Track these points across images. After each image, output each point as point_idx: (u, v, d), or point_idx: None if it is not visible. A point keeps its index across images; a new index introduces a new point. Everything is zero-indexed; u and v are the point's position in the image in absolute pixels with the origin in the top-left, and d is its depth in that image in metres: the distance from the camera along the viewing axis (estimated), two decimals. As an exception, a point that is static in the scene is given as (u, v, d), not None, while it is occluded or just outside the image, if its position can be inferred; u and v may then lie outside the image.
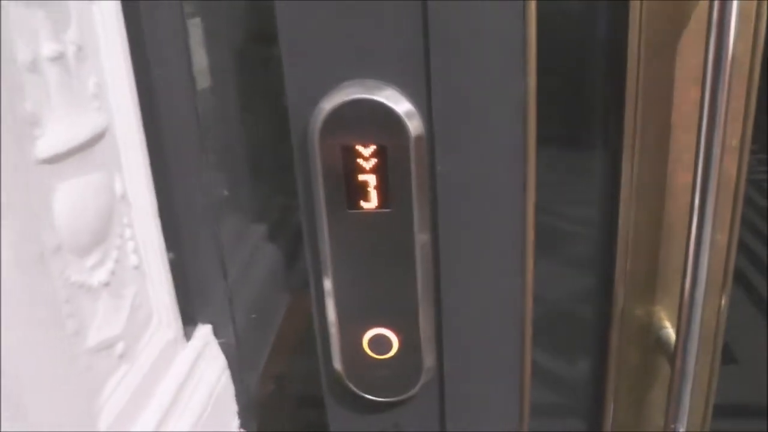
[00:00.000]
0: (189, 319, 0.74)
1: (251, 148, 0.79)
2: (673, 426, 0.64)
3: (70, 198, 0.53)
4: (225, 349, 0.77)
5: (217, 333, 0.77)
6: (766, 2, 0.58)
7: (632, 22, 0.58)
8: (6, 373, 0.49)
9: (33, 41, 0.49)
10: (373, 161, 0.59)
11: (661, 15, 0.58)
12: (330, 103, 0.58)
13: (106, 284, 0.58)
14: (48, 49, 0.50)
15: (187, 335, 0.74)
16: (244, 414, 0.81)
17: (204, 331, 0.76)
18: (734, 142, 0.61)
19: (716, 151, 0.56)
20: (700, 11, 0.58)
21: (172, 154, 0.67)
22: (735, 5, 0.51)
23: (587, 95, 0.66)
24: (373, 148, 0.59)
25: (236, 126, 0.78)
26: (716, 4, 0.52)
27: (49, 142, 0.50)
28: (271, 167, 0.81)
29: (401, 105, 0.58)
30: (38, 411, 0.51)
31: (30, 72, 0.48)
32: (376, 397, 0.70)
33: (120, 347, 0.61)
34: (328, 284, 0.65)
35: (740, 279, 1.87)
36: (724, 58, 0.53)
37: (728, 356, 1.84)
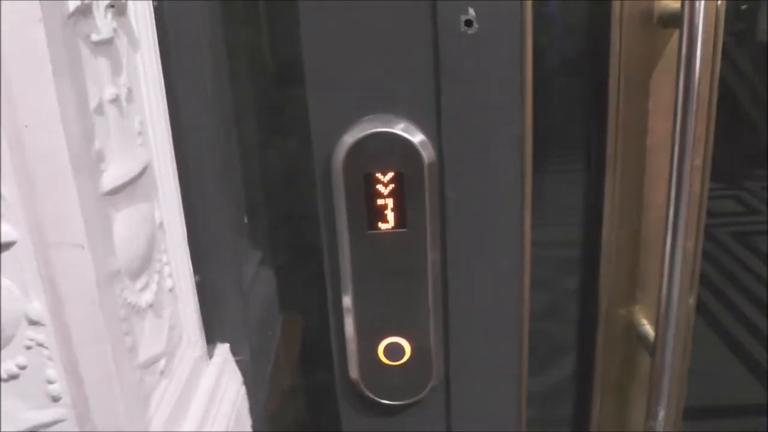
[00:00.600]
0: (209, 338, 0.79)
1: (269, 182, 0.85)
2: (654, 408, 0.73)
3: (125, 226, 0.59)
4: (241, 366, 0.83)
5: (233, 351, 0.82)
6: (720, 47, 0.68)
7: (612, 62, 0.67)
8: (77, 380, 0.54)
9: (99, 86, 0.55)
10: (391, 186, 0.67)
11: (638, 56, 0.68)
12: (352, 136, 0.65)
13: (151, 305, 0.64)
14: (109, 92, 0.56)
15: (209, 353, 0.79)
16: (256, 426, 0.86)
17: (223, 349, 0.81)
18: (697, 161, 0.71)
19: (686, 171, 0.65)
20: (670, 54, 0.67)
21: (197, 186, 0.73)
22: (699, 51, 0.61)
23: (574, 126, 0.75)
24: (391, 174, 0.66)
25: (254, 161, 0.84)
26: (684, 49, 0.61)
27: (111, 176, 0.56)
28: (282, 199, 0.87)
29: (416, 136, 0.66)
30: (105, 424, 0.56)
31: (97, 113, 0.54)
32: (389, 401, 0.77)
33: (162, 364, 0.66)
34: (347, 298, 0.72)
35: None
36: (692, 93, 0.62)
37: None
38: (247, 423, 0.85)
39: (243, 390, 0.83)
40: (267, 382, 0.92)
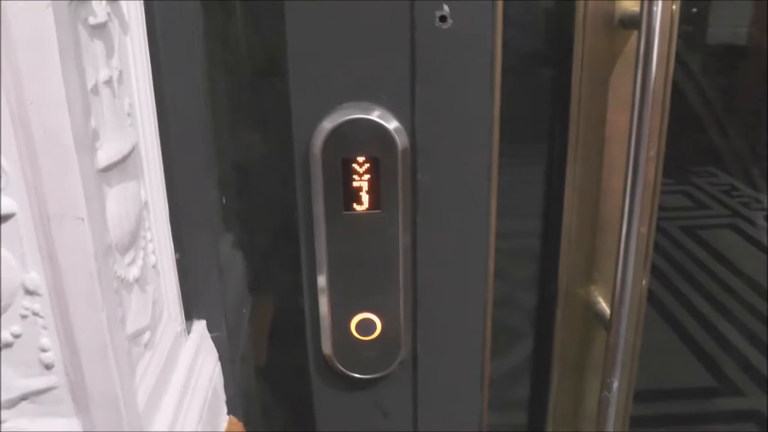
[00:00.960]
0: (187, 315, 0.82)
1: (245, 165, 0.88)
2: (609, 379, 0.79)
3: (116, 203, 0.61)
4: (217, 342, 0.86)
5: (210, 328, 0.85)
6: (674, 47, 0.74)
7: (575, 59, 0.73)
8: (72, 348, 0.57)
9: (95, 67, 0.57)
10: (367, 170, 0.71)
11: (599, 54, 0.73)
12: (331, 122, 0.69)
13: (137, 280, 0.67)
14: (103, 74, 0.59)
15: (187, 329, 0.82)
16: (231, 401, 0.89)
17: (200, 326, 0.84)
18: (652, 152, 0.77)
19: (642, 160, 0.71)
20: (629, 53, 0.73)
21: (179, 167, 0.76)
22: (656, 50, 0.66)
23: (539, 116, 0.80)
24: (367, 158, 0.70)
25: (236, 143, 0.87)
26: (642, 49, 0.67)
27: (105, 154, 0.59)
28: (262, 183, 0.91)
29: (391, 123, 0.70)
30: (97, 392, 0.59)
31: (93, 94, 0.57)
32: (360, 374, 0.81)
33: (146, 337, 0.69)
34: (322, 276, 0.75)
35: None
36: (648, 89, 0.68)
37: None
38: (222, 398, 0.88)
39: (219, 366, 0.86)
40: (240, 359, 0.95)
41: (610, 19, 0.72)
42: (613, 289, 0.76)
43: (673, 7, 0.72)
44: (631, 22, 0.71)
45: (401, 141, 0.70)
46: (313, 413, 0.88)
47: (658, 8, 0.65)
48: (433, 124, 0.71)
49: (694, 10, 1.31)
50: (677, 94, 0.80)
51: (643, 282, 0.84)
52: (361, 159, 0.70)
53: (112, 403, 0.59)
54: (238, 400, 0.91)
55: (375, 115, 0.70)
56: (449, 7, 0.67)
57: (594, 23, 0.72)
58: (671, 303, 2.08)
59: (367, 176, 0.71)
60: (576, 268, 0.82)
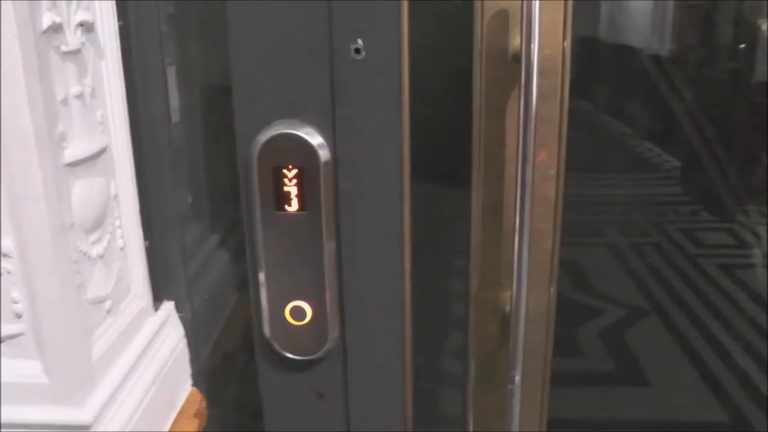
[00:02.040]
0: (157, 295, 0.97)
1: (211, 169, 1.04)
2: (512, 374, 0.89)
3: (82, 192, 0.77)
4: (183, 321, 1.01)
5: (177, 308, 1.00)
6: (568, 79, 0.86)
7: (475, 89, 0.85)
8: (33, 302, 0.72)
9: (65, 84, 0.74)
10: (295, 177, 0.85)
11: (495, 85, 0.85)
12: (266, 135, 0.84)
13: (101, 256, 0.82)
14: (74, 89, 0.75)
15: (155, 307, 0.97)
16: (196, 376, 1.04)
17: (168, 306, 0.99)
18: (551, 172, 0.88)
19: (528, 179, 0.82)
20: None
21: (150, 169, 0.91)
22: (535, 82, 0.78)
23: (445, 140, 0.93)
24: (295, 168, 0.84)
25: (198, 152, 1.03)
26: (523, 79, 0.79)
27: (71, 152, 0.75)
28: (224, 185, 1.06)
29: (315, 138, 0.84)
30: (53, 340, 0.74)
31: (62, 105, 0.73)
32: (294, 355, 0.94)
33: (108, 304, 0.84)
34: (261, 267, 0.89)
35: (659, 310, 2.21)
36: (530, 116, 0.80)
37: (642, 379, 2.18)
38: (186, 370, 1.02)
39: (184, 341, 1.01)
40: (210, 341, 1.10)
41: (504, 55, 0.85)
42: (512, 293, 0.88)
43: (565, 43, 0.84)
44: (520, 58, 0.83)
45: (323, 154, 0.84)
46: (260, 394, 1.01)
47: (535, 48, 0.77)
48: (352, 139, 0.84)
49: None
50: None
51: (551, 291, 0.95)
52: (290, 167, 0.85)
53: (64, 349, 0.75)
54: (202, 375, 1.05)
55: (302, 132, 0.84)
56: (363, 42, 0.81)
57: (490, 58, 0.84)
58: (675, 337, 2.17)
59: (295, 183, 0.85)
60: (484, 275, 0.94)
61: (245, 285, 1.11)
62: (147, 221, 0.92)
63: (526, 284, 0.87)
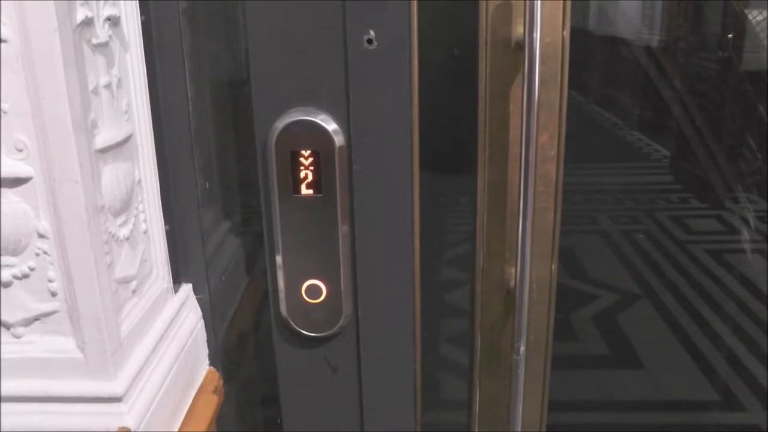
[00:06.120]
0: (176, 278, 1.01)
1: (227, 157, 1.09)
2: (517, 344, 0.94)
3: (111, 177, 0.82)
4: (201, 303, 1.05)
5: (195, 291, 1.05)
6: (567, 64, 0.91)
7: (480, 76, 0.90)
8: (69, 279, 0.77)
9: (96, 74, 0.78)
10: (311, 162, 0.89)
11: (500, 72, 0.90)
12: (283, 122, 0.88)
13: (127, 238, 0.87)
14: (103, 79, 0.80)
15: (174, 289, 1.01)
16: (212, 356, 1.08)
17: (186, 288, 1.04)
18: (552, 153, 0.93)
19: (532, 159, 0.87)
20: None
21: (170, 156, 0.96)
22: (537, 69, 0.83)
23: (453, 123, 0.98)
24: (311, 153, 0.89)
25: (215, 140, 1.08)
26: (526, 66, 0.84)
27: (101, 138, 0.79)
28: (239, 173, 1.11)
29: (330, 124, 0.89)
30: (87, 317, 0.79)
31: (94, 94, 0.77)
32: (309, 332, 0.99)
33: (133, 284, 0.88)
34: (278, 248, 0.94)
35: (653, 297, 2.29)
36: (533, 100, 0.85)
37: (636, 362, 2.25)
38: (203, 350, 1.07)
39: (202, 322, 1.06)
40: (226, 323, 1.14)
41: (508, 43, 0.90)
42: (516, 267, 0.93)
43: (564, 32, 0.89)
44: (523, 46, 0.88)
45: (338, 139, 0.89)
46: (276, 370, 1.06)
47: (538, 36, 0.82)
48: (365, 125, 0.89)
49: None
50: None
51: (553, 266, 1.00)
52: (306, 153, 0.89)
53: (97, 325, 0.79)
54: (218, 355, 1.10)
55: (318, 118, 0.88)
56: (375, 33, 0.85)
57: (495, 47, 0.89)
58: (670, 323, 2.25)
59: (311, 167, 0.90)
60: (490, 250, 0.99)
61: (259, 267, 1.16)
62: (167, 206, 0.97)
63: (530, 258, 0.92)
